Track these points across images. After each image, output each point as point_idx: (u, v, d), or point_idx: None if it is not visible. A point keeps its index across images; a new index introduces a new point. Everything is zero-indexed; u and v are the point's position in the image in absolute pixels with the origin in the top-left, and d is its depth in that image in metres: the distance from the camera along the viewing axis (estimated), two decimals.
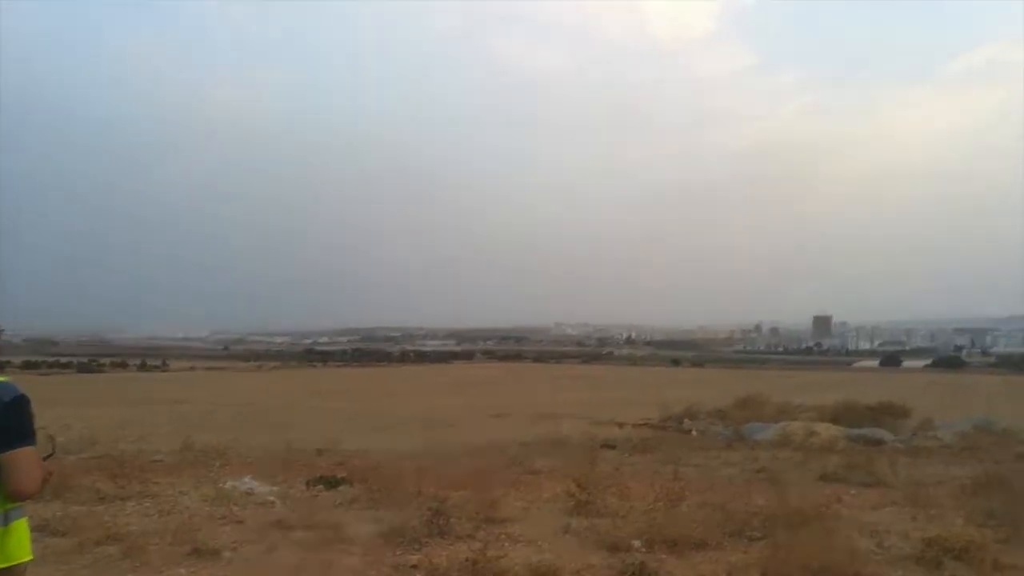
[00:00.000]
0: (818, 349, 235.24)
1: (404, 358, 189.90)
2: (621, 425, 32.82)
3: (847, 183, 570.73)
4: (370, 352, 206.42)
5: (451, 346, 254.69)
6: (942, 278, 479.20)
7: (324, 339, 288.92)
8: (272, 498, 9.51)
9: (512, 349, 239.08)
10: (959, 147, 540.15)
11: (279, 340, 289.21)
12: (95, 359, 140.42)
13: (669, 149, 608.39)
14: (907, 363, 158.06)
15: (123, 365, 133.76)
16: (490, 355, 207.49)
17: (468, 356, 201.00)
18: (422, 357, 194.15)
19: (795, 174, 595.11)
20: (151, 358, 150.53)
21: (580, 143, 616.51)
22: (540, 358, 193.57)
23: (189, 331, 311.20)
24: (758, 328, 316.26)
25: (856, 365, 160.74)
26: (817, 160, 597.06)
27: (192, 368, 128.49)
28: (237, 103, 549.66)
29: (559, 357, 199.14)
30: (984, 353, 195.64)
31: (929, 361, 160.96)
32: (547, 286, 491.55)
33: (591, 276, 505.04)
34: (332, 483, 10.32)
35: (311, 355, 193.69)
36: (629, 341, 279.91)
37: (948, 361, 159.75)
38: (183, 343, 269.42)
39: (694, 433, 30.13)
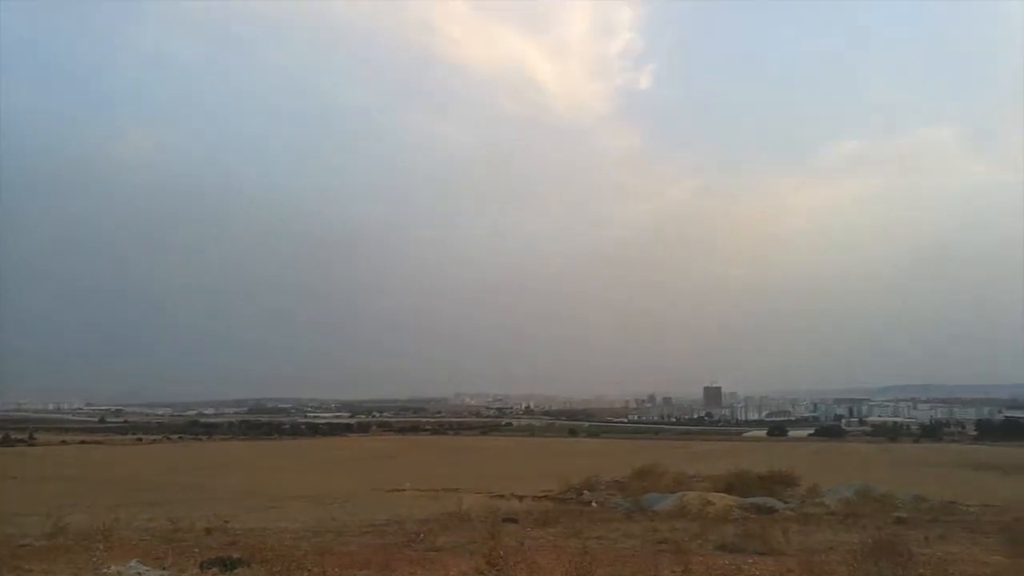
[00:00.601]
0: (709, 419, 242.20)
1: (295, 431, 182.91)
2: (521, 498, 32.60)
3: (733, 259, 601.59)
4: (259, 425, 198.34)
5: (345, 418, 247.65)
6: (823, 349, 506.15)
7: (210, 411, 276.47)
8: None
9: (409, 420, 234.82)
10: (832, 227, 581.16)
11: (161, 412, 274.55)
12: None
13: (566, 224, 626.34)
14: (793, 432, 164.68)
15: None
16: (386, 427, 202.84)
17: (363, 428, 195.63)
18: (314, 430, 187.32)
19: (685, 250, 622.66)
20: (16, 431, 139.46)
21: (480, 215, 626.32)
22: (438, 430, 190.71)
23: (61, 402, 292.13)
24: (652, 398, 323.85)
25: (746, 435, 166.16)
26: (705, 237, 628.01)
27: (64, 442, 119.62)
28: (110, 155, 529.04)
29: (457, 428, 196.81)
30: (861, 422, 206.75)
31: (813, 430, 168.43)
32: (445, 357, 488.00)
33: (490, 347, 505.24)
34: (228, 565, 9.75)
35: (196, 427, 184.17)
36: (528, 411, 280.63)
37: (830, 430, 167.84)
38: (54, 415, 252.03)
39: (594, 504, 30.24)
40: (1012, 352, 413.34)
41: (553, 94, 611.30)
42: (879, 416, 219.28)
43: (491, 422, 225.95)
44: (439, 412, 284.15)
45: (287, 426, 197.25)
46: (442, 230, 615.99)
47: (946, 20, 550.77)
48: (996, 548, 15.90)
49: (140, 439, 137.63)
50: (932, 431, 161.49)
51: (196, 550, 11.75)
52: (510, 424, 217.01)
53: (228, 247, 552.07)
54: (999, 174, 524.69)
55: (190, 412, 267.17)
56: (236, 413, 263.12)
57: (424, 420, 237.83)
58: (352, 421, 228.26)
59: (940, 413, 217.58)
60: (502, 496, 33.31)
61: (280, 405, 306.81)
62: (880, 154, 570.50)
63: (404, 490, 38.83)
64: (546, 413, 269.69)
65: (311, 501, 31.99)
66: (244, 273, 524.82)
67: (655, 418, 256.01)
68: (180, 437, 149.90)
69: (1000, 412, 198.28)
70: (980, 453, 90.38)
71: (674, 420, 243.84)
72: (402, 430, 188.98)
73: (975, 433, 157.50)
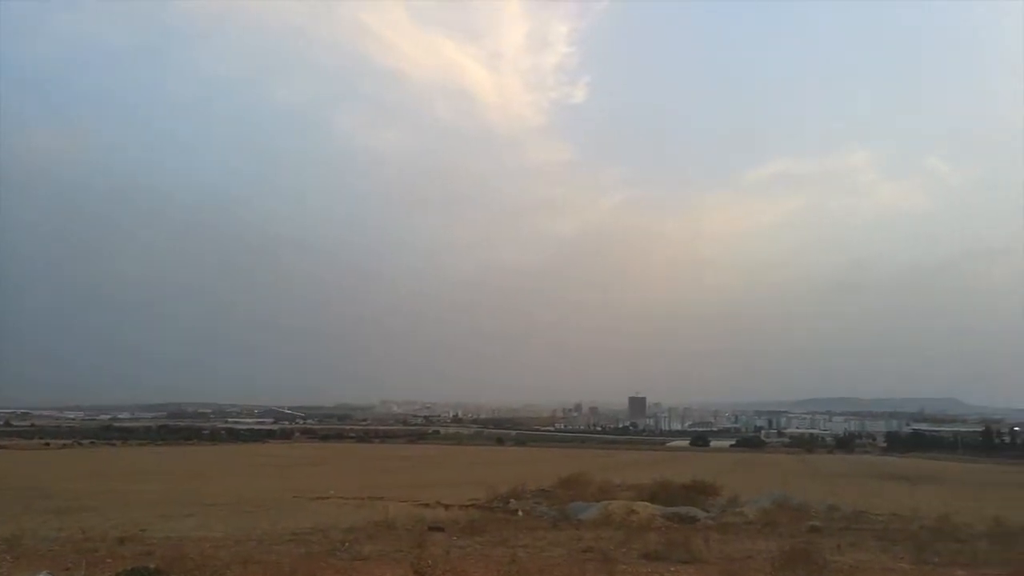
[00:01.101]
0: (634, 429, 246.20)
1: (215, 437, 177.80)
2: (448, 507, 32.36)
3: (660, 272, 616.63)
4: (177, 430, 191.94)
5: (267, 424, 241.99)
6: (743, 363, 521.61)
7: (125, 415, 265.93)
8: None
9: (334, 428, 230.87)
10: (760, 243, 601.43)
11: (71, 416, 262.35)
12: None
13: (498, 233, 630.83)
14: (715, 442, 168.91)
15: None
16: (310, 434, 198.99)
17: (286, 435, 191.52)
18: (235, 436, 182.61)
19: (613, 262, 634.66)
20: None
21: (413, 222, 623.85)
22: (364, 438, 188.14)
23: None
24: (578, 407, 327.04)
25: (669, 444, 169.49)
26: (633, 250, 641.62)
27: None
28: (48, 153, 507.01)
29: (384, 436, 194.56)
30: (780, 433, 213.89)
31: (734, 441, 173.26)
32: (372, 364, 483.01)
33: (418, 354, 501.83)
34: (145, 575, 9.39)
35: (110, 432, 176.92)
36: (456, 419, 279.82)
37: (750, 441, 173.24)
38: None
39: (520, 513, 30.25)
40: (919, 369, 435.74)
41: (488, 104, 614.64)
42: (797, 428, 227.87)
43: (418, 430, 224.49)
44: (365, 420, 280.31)
45: (207, 432, 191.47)
46: (370, 237, 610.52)
47: (867, 47, 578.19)
48: (903, 555, 16.61)
49: (48, 444, 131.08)
50: (845, 443, 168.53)
51: (109, 560, 11.29)
52: (437, 432, 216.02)
53: (146, 248, 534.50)
54: (906, 200, 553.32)
55: (103, 416, 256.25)
56: (153, 418, 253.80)
57: (349, 428, 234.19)
58: (275, 427, 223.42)
59: (853, 426, 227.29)
60: (428, 505, 32.98)
61: (200, 410, 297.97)
62: (800, 175, 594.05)
63: (328, 498, 38.08)
64: (474, 421, 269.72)
65: (231, 508, 31.07)
66: (162, 276, 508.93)
67: (581, 427, 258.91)
68: (92, 442, 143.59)
69: (908, 425, 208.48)
70: (889, 464, 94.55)
71: (600, 429, 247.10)
72: (326, 437, 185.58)
73: (884, 445, 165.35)
